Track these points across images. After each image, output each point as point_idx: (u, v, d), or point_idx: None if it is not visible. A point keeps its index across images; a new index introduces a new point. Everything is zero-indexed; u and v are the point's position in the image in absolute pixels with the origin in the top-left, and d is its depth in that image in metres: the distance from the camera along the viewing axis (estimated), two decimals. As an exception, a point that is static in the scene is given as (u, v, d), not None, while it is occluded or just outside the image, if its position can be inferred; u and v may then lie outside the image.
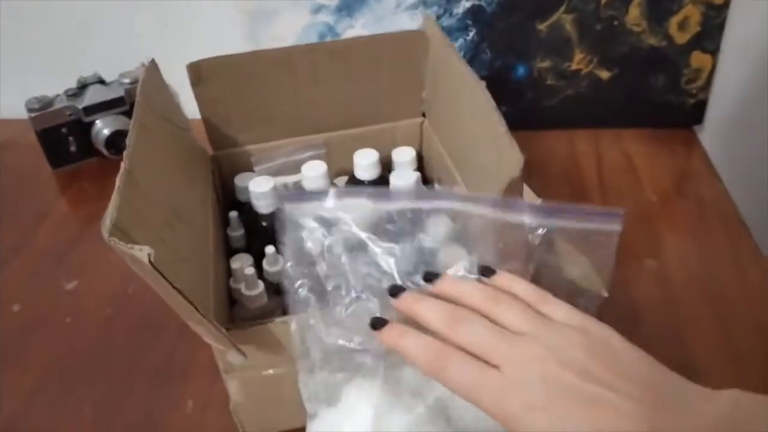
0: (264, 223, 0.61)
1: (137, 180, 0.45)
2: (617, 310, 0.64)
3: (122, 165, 0.44)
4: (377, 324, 0.38)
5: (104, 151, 0.86)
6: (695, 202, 0.77)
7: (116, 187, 0.42)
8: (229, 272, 0.58)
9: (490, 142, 0.51)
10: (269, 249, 0.57)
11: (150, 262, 0.38)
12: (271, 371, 0.50)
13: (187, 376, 0.59)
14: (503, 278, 0.40)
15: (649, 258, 0.70)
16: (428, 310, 0.36)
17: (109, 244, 0.38)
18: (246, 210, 0.62)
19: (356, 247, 0.44)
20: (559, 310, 0.37)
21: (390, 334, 0.37)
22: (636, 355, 0.34)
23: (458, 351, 0.35)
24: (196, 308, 0.41)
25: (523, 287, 0.38)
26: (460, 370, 0.34)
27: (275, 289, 0.58)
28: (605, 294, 0.64)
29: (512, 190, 0.46)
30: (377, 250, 0.43)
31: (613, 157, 0.84)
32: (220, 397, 0.53)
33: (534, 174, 0.82)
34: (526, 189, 0.69)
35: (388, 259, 0.43)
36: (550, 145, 0.87)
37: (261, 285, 0.56)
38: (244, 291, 0.55)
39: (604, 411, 0.30)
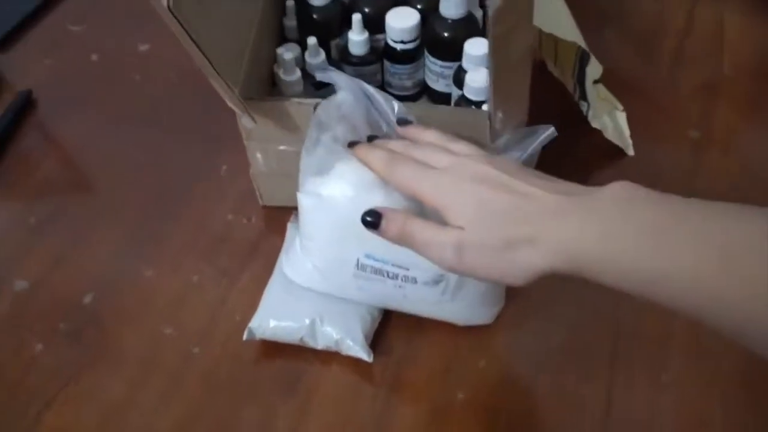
0: (314, 15, 0.63)
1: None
2: (641, 173, 0.63)
3: None
4: (351, 144, 0.47)
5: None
6: (771, 85, 0.72)
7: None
8: (275, 59, 0.62)
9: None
10: (311, 40, 0.60)
11: (168, 7, 0.41)
12: (285, 147, 0.55)
13: (227, 146, 0.65)
14: (416, 128, 0.47)
15: (693, 129, 0.67)
16: (372, 157, 0.44)
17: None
18: (301, 1, 0.64)
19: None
20: (466, 147, 0.44)
21: (360, 149, 0.46)
22: (535, 170, 0.41)
23: (404, 157, 0.43)
24: (209, 61, 0.45)
25: (434, 134, 0.46)
26: (403, 169, 0.42)
27: (314, 82, 0.62)
28: (631, 152, 0.64)
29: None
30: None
31: (705, 21, 0.78)
32: (249, 168, 0.59)
33: (613, 24, 0.78)
34: (571, 24, 0.65)
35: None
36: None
37: (298, 72, 0.59)
38: (282, 76, 0.60)
39: (512, 196, 0.38)
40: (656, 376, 0.50)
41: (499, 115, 0.48)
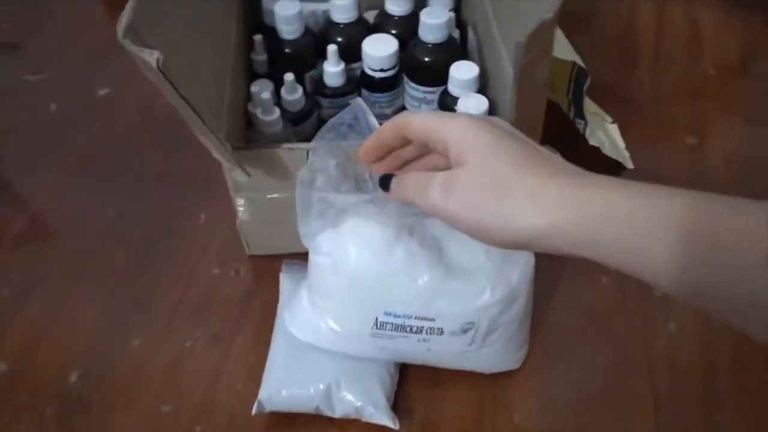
0: (287, 49, 0.59)
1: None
2: (643, 181, 0.62)
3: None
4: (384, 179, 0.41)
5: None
6: (758, 82, 0.71)
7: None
8: (249, 97, 0.58)
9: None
10: (288, 76, 0.56)
11: (158, 67, 0.37)
12: (276, 195, 0.51)
13: (204, 191, 0.61)
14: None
15: (689, 135, 0.66)
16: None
17: (122, 44, 0.38)
18: (271, 34, 0.60)
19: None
20: None
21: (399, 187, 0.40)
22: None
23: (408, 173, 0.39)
24: (201, 119, 0.41)
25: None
26: (408, 184, 0.38)
27: (291, 119, 0.58)
28: (630, 166, 0.62)
29: (541, 35, 0.43)
30: None
31: (677, 21, 0.77)
32: (231, 215, 0.55)
33: (584, 32, 0.76)
34: (566, 44, 0.64)
35: None
36: (612, 0, 0.80)
37: (277, 111, 0.55)
38: (260, 116, 0.55)
39: (530, 149, 0.35)
40: (707, 413, 0.47)
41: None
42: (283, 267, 0.54)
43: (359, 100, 0.51)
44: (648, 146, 0.64)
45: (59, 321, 0.54)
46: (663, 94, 0.70)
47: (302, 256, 0.54)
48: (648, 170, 0.62)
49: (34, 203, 0.63)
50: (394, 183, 0.39)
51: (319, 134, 0.48)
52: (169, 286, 0.56)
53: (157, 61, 0.38)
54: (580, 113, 0.60)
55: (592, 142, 0.60)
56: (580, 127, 0.60)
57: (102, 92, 0.72)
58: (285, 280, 0.53)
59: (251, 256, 0.57)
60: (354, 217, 0.45)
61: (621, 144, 0.62)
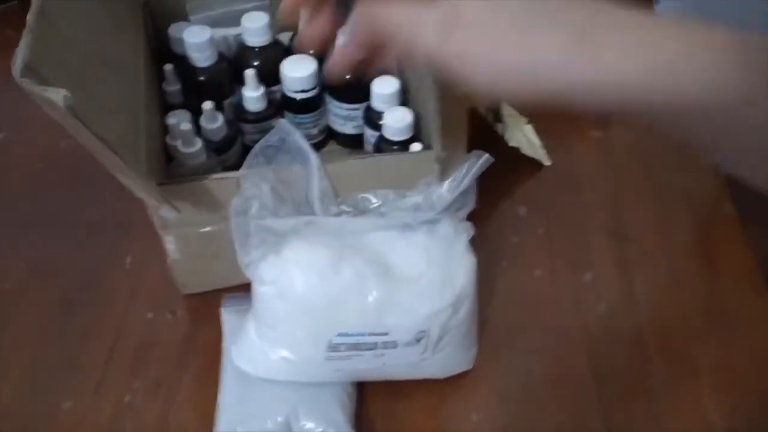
0: (201, 78, 0.57)
1: (53, 18, 0.41)
2: (558, 177, 0.65)
3: (33, 3, 0.40)
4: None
5: (27, -5, 0.78)
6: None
7: (27, 25, 0.38)
8: (165, 129, 0.56)
9: None
10: (207, 105, 0.54)
11: (67, 105, 0.35)
12: (208, 228, 0.49)
13: (124, 233, 0.58)
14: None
15: (593, 129, 0.70)
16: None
17: (21, 85, 0.35)
18: (182, 63, 0.58)
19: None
20: None
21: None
22: None
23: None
24: (120, 158, 0.39)
25: None
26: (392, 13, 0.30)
27: (214, 148, 0.56)
28: (547, 162, 0.65)
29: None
30: None
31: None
32: (159, 254, 0.53)
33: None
34: None
35: None
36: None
37: (199, 142, 0.53)
38: (181, 148, 0.53)
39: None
40: (642, 380, 0.50)
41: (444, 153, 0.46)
42: (223, 302, 0.52)
43: (283, 121, 0.50)
44: (559, 142, 0.67)
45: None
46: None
47: (242, 288, 0.52)
48: (562, 167, 0.65)
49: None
50: (362, 13, 0.31)
51: (248, 161, 0.46)
52: (98, 339, 0.52)
53: (65, 99, 0.35)
54: (498, 117, 0.62)
55: (511, 143, 0.62)
56: (499, 130, 0.62)
57: (-3, 140, 0.67)
58: (227, 315, 0.51)
59: (186, 295, 0.54)
60: (295, 242, 0.44)
61: (537, 142, 0.65)
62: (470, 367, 0.50)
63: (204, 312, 0.53)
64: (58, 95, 0.35)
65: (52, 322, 0.53)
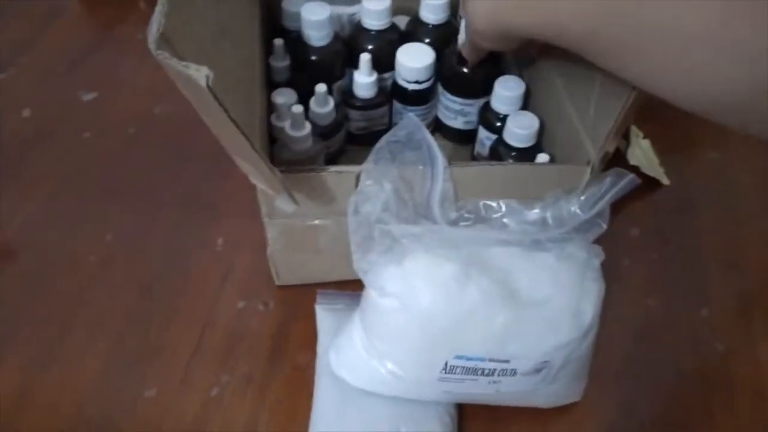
0: (314, 57, 0.54)
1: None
2: (673, 198, 0.60)
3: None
4: None
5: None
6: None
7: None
8: (269, 106, 0.52)
9: None
10: (320, 87, 0.51)
11: (208, 86, 0.32)
12: (316, 222, 0.46)
13: (216, 214, 0.55)
14: None
15: (710, 149, 0.65)
16: None
17: (158, 58, 0.32)
18: (293, 39, 0.54)
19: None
20: None
21: None
22: None
23: None
24: (251, 144, 0.36)
25: None
26: None
27: (321, 133, 0.53)
28: (666, 181, 0.60)
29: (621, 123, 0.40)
30: None
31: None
32: (253, 239, 0.50)
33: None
34: None
35: None
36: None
37: (308, 126, 0.50)
38: (288, 131, 0.50)
39: None
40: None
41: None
42: (318, 298, 0.49)
43: (412, 115, 0.46)
44: (676, 161, 0.62)
45: (54, 374, 0.46)
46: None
47: (335, 285, 0.49)
48: (679, 187, 0.61)
49: (10, 238, 0.54)
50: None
51: (373, 155, 0.43)
52: (185, 325, 0.49)
53: (207, 78, 0.32)
54: (624, 134, 0.57)
55: (632, 162, 0.58)
56: (622, 147, 0.58)
57: (88, 97, 0.64)
58: (322, 313, 0.48)
59: (279, 287, 0.51)
60: (418, 253, 0.40)
61: (656, 160, 0.60)
62: (579, 398, 0.47)
63: (297, 306, 0.50)
64: (200, 74, 0.32)
65: (138, 302, 0.50)
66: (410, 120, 0.44)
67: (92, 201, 0.56)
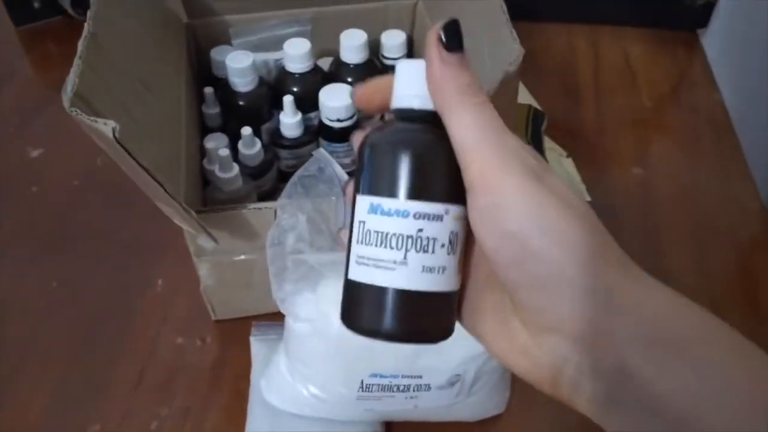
0: (241, 102, 0.57)
1: (102, 44, 0.41)
2: (597, 213, 0.63)
3: (85, 27, 0.40)
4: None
5: (70, 11, 0.79)
6: (690, 111, 0.75)
7: (78, 52, 0.38)
8: (202, 152, 0.56)
9: (488, 31, 0.48)
10: (246, 130, 0.54)
11: (114, 137, 0.35)
12: (243, 257, 0.49)
13: (157, 256, 0.58)
14: None
15: (635, 166, 0.68)
16: None
17: (71, 114, 0.35)
18: (222, 86, 0.58)
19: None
20: None
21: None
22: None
23: None
24: (164, 188, 0.39)
25: None
26: None
27: (250, 173, 0.56)
28: (587, 198, 0.63)
29: (507, 85, 0.43)
30: None
31: (611, 56, 0.81)
32: (192, 278, 0.52)
33: (528, 68, 0.78)
34: (521, 87, 0.66)
35: None
36: (547, 38, 0.82)
37: (236, 168, 0.53)
38: (218, 173, 0.53)
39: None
40: None
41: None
42: (253, 330, 0.51)
43: (322, 150, 0.49)
44: (598, 178, 0.65)
45: (2, 414, 0.48)
46: (607, 126, 0.72)
47: (270, 317, 0.52)
48: (601, 203, 0.64)
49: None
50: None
51: (286, 190, 0.46)
52: (127, 363, 0.51)
53: (113, 130, 0.35)
54: (541, 153, 0.61)
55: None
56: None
57: (35, 153, 0.67)
58: (256, 344, 0.51)
59: (217, 321, 0.54)
60: (331, 279, 0.43)
61: (577, 177, 0.64)
62: (502, 410, 0.49)
63: (233, 339, 0.52)
64: (107, 127, 0.35)
65: (82, 342, 0.53)
66: (320, 155, 0.47)
67: (40, 251, 0.59)
